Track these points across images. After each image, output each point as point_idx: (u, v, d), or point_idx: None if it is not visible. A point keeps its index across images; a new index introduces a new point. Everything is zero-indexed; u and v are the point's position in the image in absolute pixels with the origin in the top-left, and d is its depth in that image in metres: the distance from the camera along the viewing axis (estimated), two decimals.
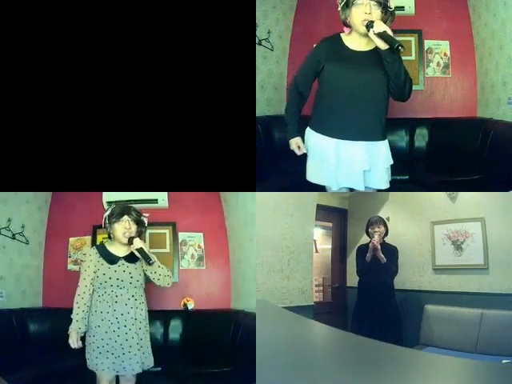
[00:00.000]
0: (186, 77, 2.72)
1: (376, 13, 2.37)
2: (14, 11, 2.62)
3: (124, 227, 2.72)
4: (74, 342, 2.64)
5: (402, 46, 2.29)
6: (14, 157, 2.69)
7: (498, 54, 3.64)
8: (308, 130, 2.63)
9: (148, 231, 4.07)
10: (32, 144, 2.69)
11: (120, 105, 2.71)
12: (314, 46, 2.69)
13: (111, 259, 2.75)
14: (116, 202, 3.93)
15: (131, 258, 2.77)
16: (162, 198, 4.05)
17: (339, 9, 2.46)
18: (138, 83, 2.70)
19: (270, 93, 4.18)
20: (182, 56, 2.71)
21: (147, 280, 2.83)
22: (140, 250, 2.67)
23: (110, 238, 2.83)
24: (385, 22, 2.38)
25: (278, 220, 3.63)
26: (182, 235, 4.11)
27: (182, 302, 3.96)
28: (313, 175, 2.66)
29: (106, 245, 2.83)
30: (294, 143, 2.62)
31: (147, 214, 2.89)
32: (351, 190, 2.74)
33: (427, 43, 4.16)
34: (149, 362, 2.80)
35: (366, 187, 2.61)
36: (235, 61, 2.72)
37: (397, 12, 3.95)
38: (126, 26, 2.67)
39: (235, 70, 2.73)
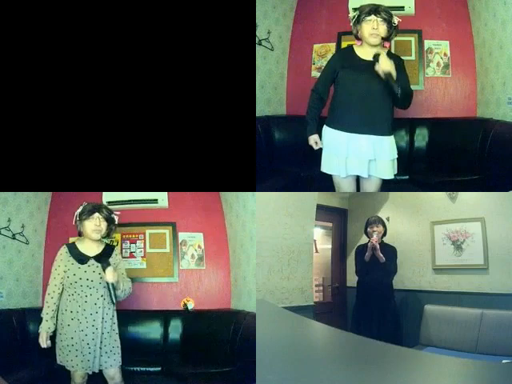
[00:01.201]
0: (186, 77, 2.72)
1: (382, 28, 2.76)
2: (14, 11, 2.62)
3: (94, 224, 2.75)
4: (43, 342, 2.71)
5: (399, 88, 2.75)
6: (14, 157, 2.69)
7: (498, 53, 3.64)
8: (324, 128, 2.97)
9: (148, 231, 4.08)
10: (32, 144, 2.69)
11: (120, 105, 2.71)
12: (331, 56, 3.09)
13: (81, 259, 2.76)
14: (116, 202, 3.95)
15: (101, 258, 2.78)
16: (162, 198, 4.05)
17: (351, 24, 2.87)
18: (138, 83, 2.70)
19: (270, 93, 4.18)
20: (183, 56, 2.71)
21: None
22: (108, 286, 2.70)
23: (79, 235, 2.85)
24: (389, 36, 2.81)
25: (278, 220, 3.62)
26: (181, 235, 4.12)
27: (182, 302, 3.96)
28: (326, 166, 3.01)
29: (77, 243, 2.84)
30: (313, 139, 2.97)
31: (118, 213, 2.92)
32: (357, 179, 3.05)
33: (427, 43, 4.16)
34: (114, 361, 2.81)
35: (370, 175, 2.94)
36: (235, 61, 2.73)
37: (397, 12, 3.97)
38: (126, 26, 2.67)
39: (235, 69, 2.73)
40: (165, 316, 3.82)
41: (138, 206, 4.02)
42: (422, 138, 4.06)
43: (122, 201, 3.97)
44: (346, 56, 2.94)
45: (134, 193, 3.93)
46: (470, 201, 3.88)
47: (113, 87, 2.69)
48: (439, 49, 4.16)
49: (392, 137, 2.93)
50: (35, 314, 3.71)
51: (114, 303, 2.75)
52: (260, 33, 3.97)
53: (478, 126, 3.74)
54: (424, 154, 4.03)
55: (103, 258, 2.77)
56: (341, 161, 2.92)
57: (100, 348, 2.74)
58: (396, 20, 2.79)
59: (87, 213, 2.76)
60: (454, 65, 4.14)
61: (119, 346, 2.86)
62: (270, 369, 1.58)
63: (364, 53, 2.87)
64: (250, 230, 3.55)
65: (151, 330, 3.76)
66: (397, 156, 2.96)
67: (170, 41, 2.70)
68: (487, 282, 3.67)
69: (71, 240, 4.09)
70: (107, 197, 3.92)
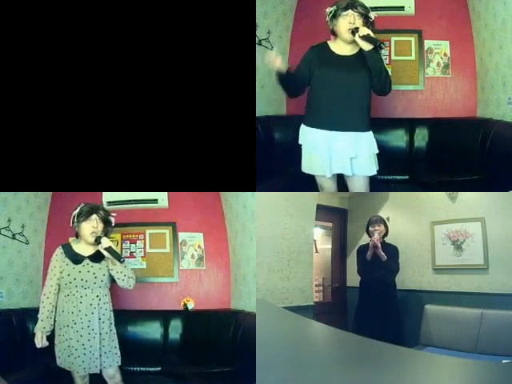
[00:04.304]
0: (186, 77, 2.72)
1: (359, 22, 2.74)
2: (14, 11, 2.62)
3: (92, 226, 2.77)
4: (38, 342, 2.73)
5: (383, 44, 2.70)
6: (14, 157, 2.69)
7: (498, 53, 3.64)
8: (302, 127, 2.96)
9: (148, 231, 4.08)
10: (32, 144, 2.69)
11: (120, 105, 2.71)
12: (305, 52, 2.94)
13: (76, 259, 2.78)
14: (116, 202, 3.95)
15: (96, 258, 2.80)
16: (162, 198, 4.05)
17: (327, 19, 2.83)
18: (138, 83, 2.70)
19: (270, 93, 4.17)
20: (183, 56, 2.71)
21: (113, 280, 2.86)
22: (109, 249, 2.70)
23: (76, 237, 2.87)
24: None
25: (278, 220, 3.63)
26: (181, 235, 4.11)
27: (182, 302, 3.96)
28: (306, 166, 3.00)
29: (72, 244, 2.87)
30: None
31: (114, 214, 2.92)
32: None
33: (427, 43, 4.15)
34: (112, 360, 2.82)
35: (354, 174, 2.93)
36: (235, 61, 2.73)
37: (397, 12, 3.97)
38: (126, 26, 2.67)
39: (235, 69, 2.73)
40: (165, 316, 3.81)
41: (138, 205, 4.02)
42: (422, 137, 4.05)
43: (122, 201, 3.96)
44: (321, 53, 2.88)
45: (134, 193, 3.93)
46: (470, 201, 3.88)
47: (113, 87, 2.69)
48: (439, 49, 4.16)
49: (371, 132, 2.90)
50: (35, 314, 3.70)
51: (122, 262, 2.72)
52: (260, 33, 3.96)
53: (478, 125, 3.73)
54: (424, 154, 4.02)
55: (98, 257, 2.78)
56: (325, 160, 2.89)
57: (100, 349, 2.74)
58: (373, 15, 2.76)
59: (85, 214, 2.77)
60: (453, 65, 4.13)
61: (117, 346, 2.87)
62: (270, 369, 1.58)
63: (339, 48, 2.85)
64: (249, 230, 3.55)
65: (151, 330, 3.76)
66: (377, 151, 2.93)
67: (170, 41, 2.70)
68: (487, 282, 3.67)
69: (71, 240, 4.11)
70: (107, 197, 3.92)
